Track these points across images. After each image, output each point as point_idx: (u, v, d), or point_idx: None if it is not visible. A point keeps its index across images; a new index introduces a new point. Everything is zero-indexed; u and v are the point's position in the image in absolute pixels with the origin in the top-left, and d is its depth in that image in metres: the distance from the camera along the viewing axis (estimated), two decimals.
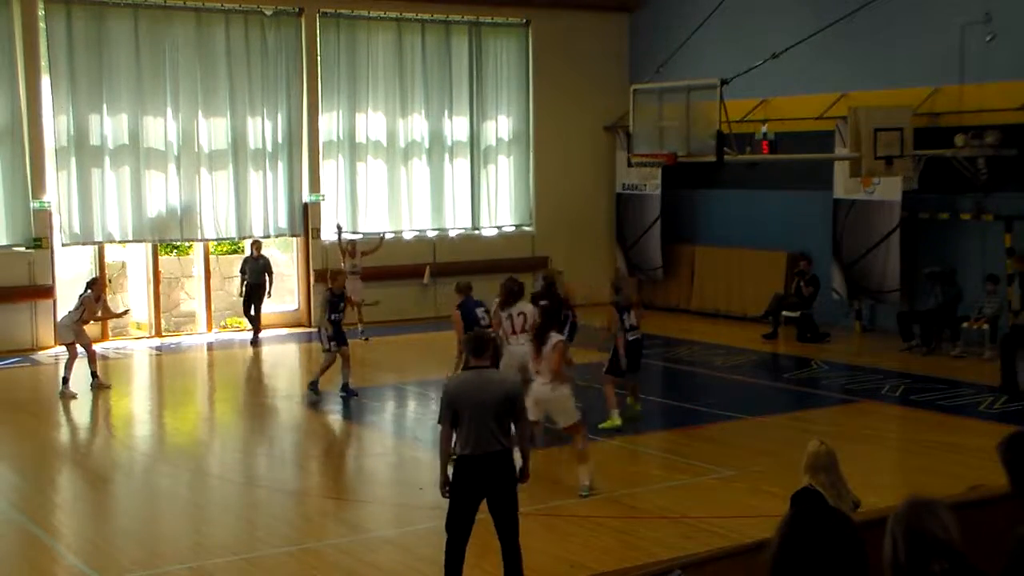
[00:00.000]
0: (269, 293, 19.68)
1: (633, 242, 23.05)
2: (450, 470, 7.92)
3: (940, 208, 18.13)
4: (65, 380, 15.29)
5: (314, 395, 14.97)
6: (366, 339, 18.97)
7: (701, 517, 9.84)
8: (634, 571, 6.84)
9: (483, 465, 7.77)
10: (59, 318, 15.98)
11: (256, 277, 19.40)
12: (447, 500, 7.94)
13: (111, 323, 20.00)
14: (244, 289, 19.47)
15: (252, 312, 19.50)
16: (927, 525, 3.36)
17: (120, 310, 17.64)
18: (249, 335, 19.57)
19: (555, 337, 10.88)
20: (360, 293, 18.96)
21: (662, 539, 9.28)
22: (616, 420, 12.98)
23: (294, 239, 21.24)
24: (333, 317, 15.04)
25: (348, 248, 19.36)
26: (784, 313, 19.37)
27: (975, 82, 17.38)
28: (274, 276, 19.93)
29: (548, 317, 11.44)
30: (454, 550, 7.96)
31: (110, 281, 20.45)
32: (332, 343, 15.03)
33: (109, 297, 20.19)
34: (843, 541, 3.14)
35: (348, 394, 14.92)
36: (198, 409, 16.01)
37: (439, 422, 7.94)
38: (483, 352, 8.05)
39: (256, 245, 19.79)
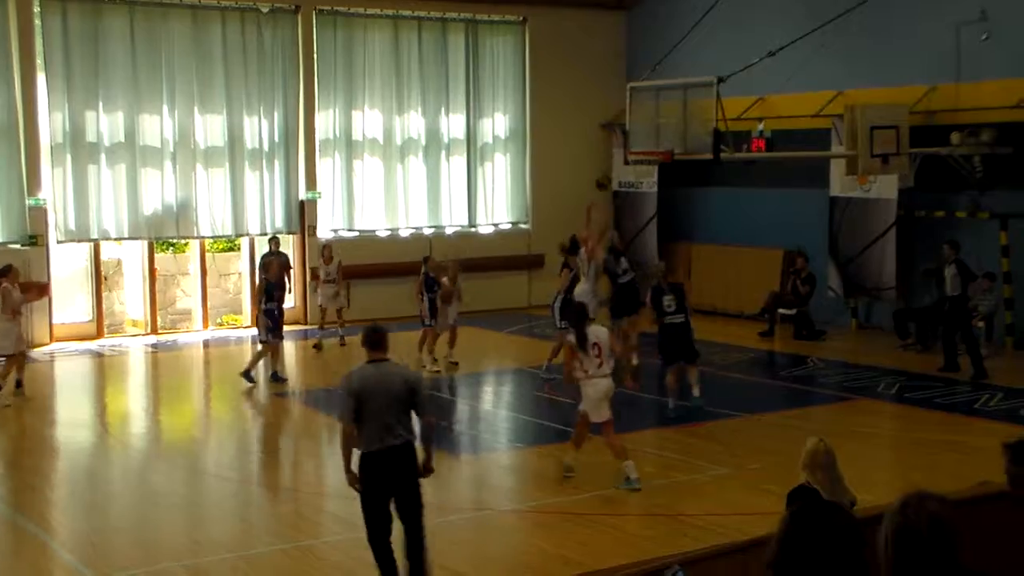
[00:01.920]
0: (290, 289, 19.70)
1: (630, 240, 23.02)
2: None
3: (936, 206, 18.14)
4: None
5: (249, 383, 15.57)
6: (341, 343, 18.45)
7: (697, 515, 9.84)
8: (629, 568, 6.83)
9: (387, 460, 7.70)
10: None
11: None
12: (350, 504, 7.89)
13: (107, 321, 20.01)
14: (262, 285, 19.38)
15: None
16: (915, 526, 3.34)
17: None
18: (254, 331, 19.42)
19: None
20: (333, 300, 18.76)
21: (658, 537, 9.28)
22: None
23: (291, 237, 21.21)
24: (268, 307, 15.57)
25: (324, 254, 19.02)
26: (780, 311, 19.38)
27: (971, 80, 17.38)
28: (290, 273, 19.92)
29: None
30: (379, 547, 7.84)
31: (106, 278, 20.44)
32: (270, 335, 15.58)
33: (105, 295, 20.25)
34: (845, 536, 3.13)
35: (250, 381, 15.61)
36: (194, 407, 15.99)
37: (340, 418, 7.82)
38: (380, 345, 7.91)
39: (275, 241, 19.86)
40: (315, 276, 19.30)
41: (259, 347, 16.06)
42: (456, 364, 16.58)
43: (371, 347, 7.93)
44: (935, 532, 3.29)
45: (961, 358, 15.66)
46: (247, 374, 15.72)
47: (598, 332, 10.90)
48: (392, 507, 7.86)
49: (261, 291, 15.89)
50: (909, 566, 3.29)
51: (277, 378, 15.88)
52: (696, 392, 13.97)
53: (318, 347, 18.52)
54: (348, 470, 7.84)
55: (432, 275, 16.72)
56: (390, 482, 7.78)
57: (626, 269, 15.90)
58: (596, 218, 16.22)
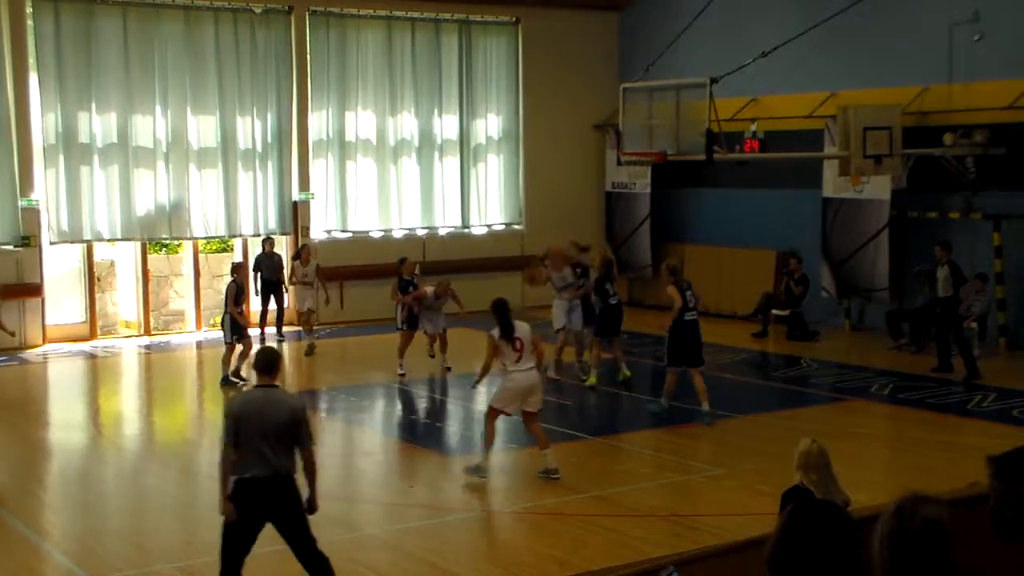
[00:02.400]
0: (286, 288, 19.66)
1: (623, 240, 23.07)
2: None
3: (929, 207, 18.17)
4: None
5: (234, 384, 15.47)
6: (309, 352, 18.08)
7: (690, 515, 9.85)
8: (624, 569, 6.83)
9: (264, 489, 7.39)
10: None
11: (273, 274, 19.37)
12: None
13: (100, 322, 19.98)
14: (260, 286, 19.36)
15: (272, 307, 19.49)
16: (910, 528, 3.34)
17: None
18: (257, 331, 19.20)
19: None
20: (309, 302, 18.47)
21: (651, 538, 9.29)
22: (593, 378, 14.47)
23: (284, 238, 21.19)
24: (238, 309, 15.53)
25: (302, 255, 18.75)
26: (774, 312, 19.40)
27: (964, 81, 17.43)
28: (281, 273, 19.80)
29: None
30: (229, 572, 7.53)
31: (99, 280, 20.41)
32: (234, 335, 15.52)
33: (98, 296, 20.22)
34: (842, 536, 3.13)
35: (238, 380, 15.59)
36: (187, 408, 15.97)
37: (222, 442, 7.51)
38: (272, 369, 7.60)
39: (270, 242, 19.83)
40: (291, 278, 18.90)
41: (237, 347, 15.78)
42: (449, 369, 16.46)
43: (261, 371, 7.66)
44: (930, 535, 3.29)
45: (954, 359, 15.69)
46: (236, 374, 15.69)
47: (521, 328, 11.00)
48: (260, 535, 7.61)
49: (232, 293, 15.66)
50: (904, 569, 3.29)
51: (229, 381, 15.69)
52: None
53: (310, 350, 18.22)
54: (224, 493, 7.50)
55: (407, 278, 16.60)
56: (265, 512, 7.46)
57: (615, 292, 15.59)
58: (539, 272, 16.20)
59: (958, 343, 15.66)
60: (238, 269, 16.38)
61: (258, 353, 7.89)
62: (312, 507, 7.67)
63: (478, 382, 11.65)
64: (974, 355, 15.60)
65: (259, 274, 19.35)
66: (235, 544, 7.53)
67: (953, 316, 15.88)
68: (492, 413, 11.17)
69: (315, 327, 18.78)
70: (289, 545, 7.65)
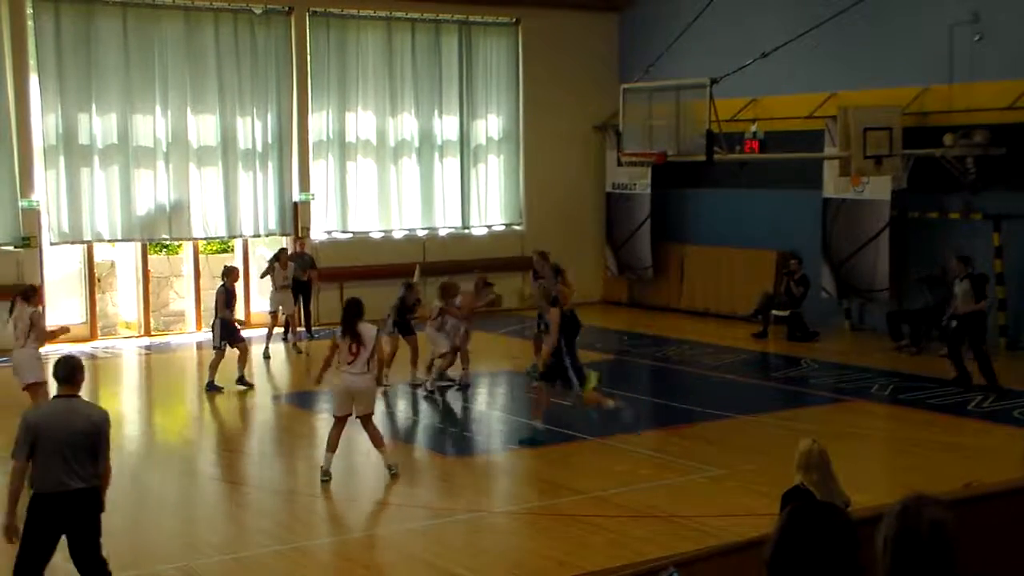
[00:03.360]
0: (318, 288, 19.60)
1: (623, 241, 23.06)
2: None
3: (929, 207, 18.17)
4: None
5: (220, 390, 15.35)
6: (266, 357, 17.89)
7: (691, 516, 9.84)
8: (624, 570, 6.83)
9: (62, 504, 7.18)
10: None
11: (302, 273, 19.35)
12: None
13: (100, 323, 19.98)
14: (290, 283, 19.27)
15: (302, 307, 19.47)
16: (915, 528, 3.34)
17: None
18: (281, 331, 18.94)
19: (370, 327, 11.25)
20: (287, 306, 18.39)
21: (652, 538, 9.28)
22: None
23: (284, 238, 21.20)
24: (226, 312, 15.40)
25: (281, 258, 18.56)
26: (774, 312, 19.39)
27: (964, 82, 17.43)
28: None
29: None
30: None
31: (99, 280, 20.40)
32: (223, 340, 15.38)
33: (98, 296, 20.22)
34: (842, 537, 3.13)
35: (244, 386, 15.46)
36: (187, 409, 15.95)
37: (12, 455, 7.24)
38: (73, 378, 7.41)
39: (300, 241, 19.79)
40: (270, 268, 18.56)
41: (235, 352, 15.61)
42: (468, 385, 15.85)
43: (61, 381, 7.44)
44: (935, 537, 3.28)
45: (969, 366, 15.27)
46: (241, 380, 15.55)
47: (364, 330, 11.13)
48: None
49: (222, 297, 15.44)
50: (907, 570, 3.28)
51: (214, 387, 15.42)
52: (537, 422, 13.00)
53: (298, 351, 18.23)
54: (11, 512, 7.32)
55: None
56: (61, 528, 7.26)
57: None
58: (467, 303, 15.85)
59: (978, 358, 15.09)
60: (228, 273, 16.04)
61: (57, 363, 7.56)
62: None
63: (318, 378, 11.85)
64: (992, 367, 15.13)
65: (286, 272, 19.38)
66: (30, 565, 7.29)
67: (978, 330, 15.21)
68: (337, 420, 11.30)
69: (299, 328, 18.92)
70: (78, 567, 7.43)
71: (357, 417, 11.24)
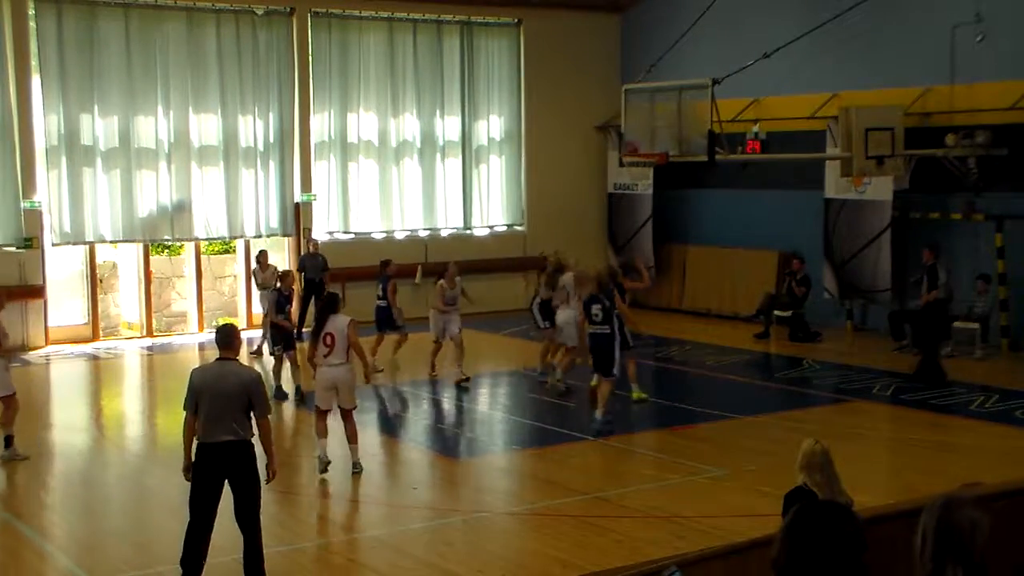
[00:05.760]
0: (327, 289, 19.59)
1: (625, 242, 23.06)
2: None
3: (931, 208, 18.17)
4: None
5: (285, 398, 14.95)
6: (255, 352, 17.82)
7: (693, 517, 9.84)
8: (627, 570, 6.83)
9: (218, 452, 8.11)
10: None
11: (316, 273, 19.34)
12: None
13: (102, 323, 19.99)
14: (303, 286, 19.24)
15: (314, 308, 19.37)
16: (955, 525, 3.40)
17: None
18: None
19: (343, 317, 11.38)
20: (266, 306, 17.74)
21: (654, 539, 9.28)
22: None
23: (286, 239, 21.21)
24: (279, 318, 15.07)
25: (260, 260, 18.27)
26: (776, 313, 19.39)
27: (965, 82, 17.42)
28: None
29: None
30: (195, 531, 8.24)
31: (101, 281, 20.41)
32: (276, 347, 15.11)
33: (100, 297, 20.23)
34: (848, 537, 3.15)
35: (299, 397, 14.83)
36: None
37: (184, 408, 8.29)
38: (230, 344, 8.39)
39: (314, 243, 19.79)
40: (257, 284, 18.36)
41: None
42: (467, 380, 15.91)
43: (220, 345, 8.42)
44: (973, 533, 3.38)
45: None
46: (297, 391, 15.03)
47: (336, 322, 11.26)
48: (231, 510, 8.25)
49: (274, 303, 15.13)
50: (946, 563, 3.35)
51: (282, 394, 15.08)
52: (598, 412, 13.02)
53: (259, 352, 17.74)
54: (187, 456, 8.33)
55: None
56: (221, 474, 8.17)
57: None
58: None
59: (925, 347, 15.72)
60: (284, 277, 15.61)
61: (217, 329, 8.67)
62: (270, 473, 8.50)
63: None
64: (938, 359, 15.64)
65: (302, 274, 19.36)
66: (199, 506, 8.26)
67: (931, 320, 15.91)
68: (318, 412, 11.52)
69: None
70: (237, 514, 8.31)
71: (340, 410, 11.39)
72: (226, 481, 8.24)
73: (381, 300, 16.81)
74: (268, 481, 8.48)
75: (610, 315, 12.95)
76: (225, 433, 8.07)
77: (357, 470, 11.37)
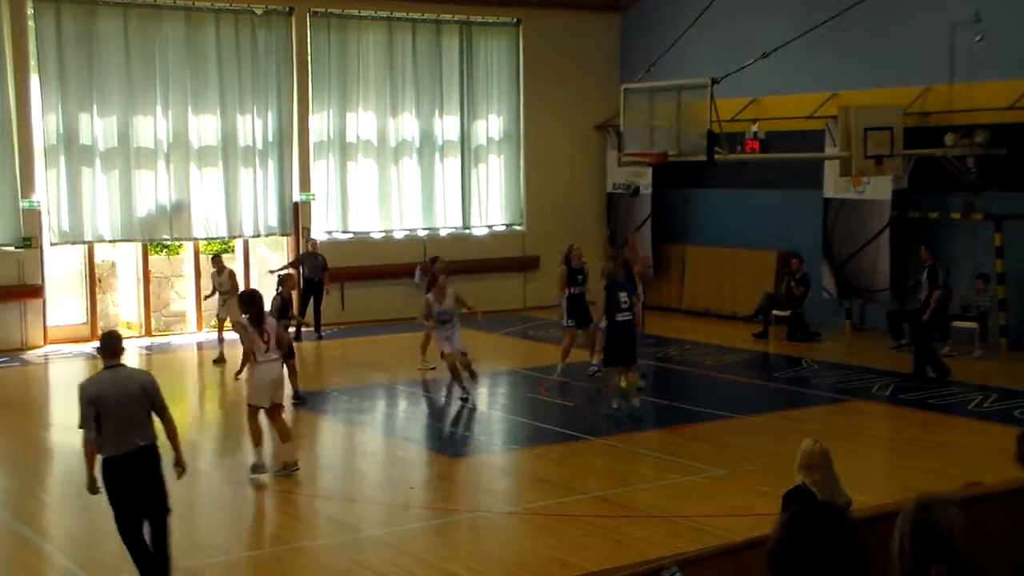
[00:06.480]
0: (327, 290, 19.59)
1: (623, 242, 23.02)
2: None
3: (930, 207, 18.17)
4: None
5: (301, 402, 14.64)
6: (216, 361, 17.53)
7: (692, 516, 9.84)
8: (626, 570, 6.82)
9: (133, 460, 7.91)
10: None
11: (315, 273, 19.30)
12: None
13: (101, 323, 19.96)
14: (302, 285, 19.15)
15: (312, 308, 19.39)
16: (933, 525, 3.38)
17: None
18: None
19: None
20: (222, 312, 17.66)
21: (653, 538, 9.28)
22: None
23: (284, 238, 21.21)
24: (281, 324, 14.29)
25: (216, 265, 17.77)
26: (775, 312, 19.38)
27: (965, 82, 17.43)
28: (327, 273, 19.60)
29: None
30: (136, 549, 8.06)
31: (100, 280, 20.40)
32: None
33: (99, 297, 20.22)
34: (843, 539, 3.14)
35: (300, 400, 14.54)
36: (188, 409, 15.95)
37: (80, 426, 7.94)
38: (118, 350, 8.15)
39: (312, 242, 19.77)
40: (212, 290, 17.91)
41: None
42: (466, 400, 15.37)
43: (108, 354, 8.11)
44: (951, 534, 3.35)
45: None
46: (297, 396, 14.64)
47: (269, 319, 11.43)
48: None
49: (277, 309, 14.50)
50: (927, 568, 3.33)
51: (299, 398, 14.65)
52: (635, 401, 13.59)
53: (218, 361, 17.45)
54: (90, 473, 8.03)
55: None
56: (135, 484, 7.95)
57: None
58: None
59: (920, 345, 15.81)
60: (284, 281, 15.22)
61: (104, 336, 8.36)
62: (179, 466, 8.31)
63: (240, 372, 11.82)
64: (934, 357, 15.75)
65: (300, 269, 19.33)
66: (128, 523, 8.02)
67: (931, 319, 15.95)
68: (252, 411, 11.35)
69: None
70: (147, 519, 8.10)
71: (272, 406, 11.31)
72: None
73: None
74: (180, 477, 8.33)
75: (634, 303, 13.55)
76: (138, 439, 7.91)
77: (295, 469, 11.28)
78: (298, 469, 11.33)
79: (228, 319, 17.24)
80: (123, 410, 7.85)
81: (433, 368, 16.30)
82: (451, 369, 14.34)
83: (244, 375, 11.80)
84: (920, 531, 3.37)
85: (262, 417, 11.37)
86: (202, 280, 20.87)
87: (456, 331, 14.48)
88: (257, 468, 11.21)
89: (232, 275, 17.88)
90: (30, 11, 18.84)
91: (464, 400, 14.40)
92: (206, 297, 18.51)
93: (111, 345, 8.13)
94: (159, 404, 8.11)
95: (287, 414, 14.34)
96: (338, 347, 19.30)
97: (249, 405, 11.43)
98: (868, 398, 14.80)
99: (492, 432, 13.75)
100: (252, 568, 9.10)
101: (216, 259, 18.04)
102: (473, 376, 14.56)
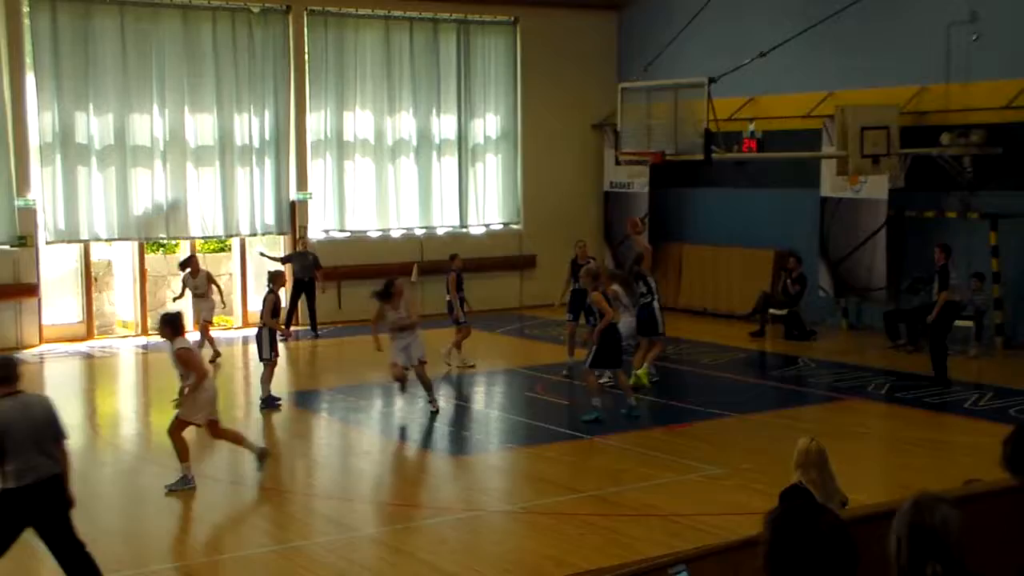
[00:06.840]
0: (322, 288, 19.58)
1: (620, 240, 23.05)
2: None
3: (926, 206, 18.19)
4: None
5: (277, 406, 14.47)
6: (213, 359, 17.07)
7: (689, 515, 9.84)
8: (622, 569, 6.82)
9: (39, 492, 7.40)
10: None
11: (305, 272, 19.26)
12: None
13: (97, 322, 19.93)
14: (292, 284, 19.10)
15: (306, 307, 19.45)
16: (928, 524, 3.38)
17: None
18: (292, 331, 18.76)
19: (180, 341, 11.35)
20: (205, 313, 17.56)
21: (649, 537, 9.28)
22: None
23: (281, 238, 21.19)
24: (274, 321, 14.50)
25: (191, 265, 17.60)
26: (771, 311, 19.40)
27: (961, 81, 17.45)
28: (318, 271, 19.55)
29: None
30: None
31: (96, 279, 20.37)
32: (272, 352, 14.35)
33: (95, 296, 20.19)
34: (832, 537, 3.13)
35: (273, 403, 14.40)
36: None
37: None
38: (16, 376, 7.63)
39: (303, 241, 19.74)
40: (183, 291, 17.84)
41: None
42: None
43: (5, 380, 7.57)
44: (946, 533, 3.35)
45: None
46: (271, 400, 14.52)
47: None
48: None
49: (272, 305, 14.44)
50: (922, 566, 3.33)
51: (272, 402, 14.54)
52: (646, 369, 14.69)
53: (215, 358, 17.25)
54: None
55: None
56: (32, 518, 7.47)
57: (643, 292, 15.20)
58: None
59: (933, 346, 15.54)
60: (275, 279, 14.76)
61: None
62: (70, 499, 7.68)
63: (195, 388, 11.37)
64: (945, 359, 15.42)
65: (290, 265, 19.34)
66: None
67: (940, 320, 15.62)
68: (181, 425, 11.06)
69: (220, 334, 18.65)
70: (56, 553, 7.63)
71: (210, 423, 11.15)
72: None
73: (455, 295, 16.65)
74: (71, 507, 7.71)
75: (652, 290, 14.92)
76: (46, 468, 7.41)
77: (268, 455, 11.46)
78: (270, 453, 11.48)
79: (211, 318, 17.76)
80: (30, 438, 7.35)
81: (472, 366, 16.44)
82: (396, 378, 13.98)
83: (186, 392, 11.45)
84: (916, 530, 3.37)
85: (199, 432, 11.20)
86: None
87: (415, 340, 13.92)
88: (185, 481, 10.91)
89: (209, 276, 17.76)
90: (26, 9, 18.81)
91: (431, 403, 13.96)
92: (175, 299, 18.20)
93: (8, 372, 7.59)
94: (61, 430, 7.63)
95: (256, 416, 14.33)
96: (334, 346, 19.29)
97: (180, 420, 11.06)
98: (864, 397, 14.81)
99: (489, 431, 13.75)
100: (250, 568, 9.09)
101: (192, 261, 17.82)
102: (427, 387, 13.94)
